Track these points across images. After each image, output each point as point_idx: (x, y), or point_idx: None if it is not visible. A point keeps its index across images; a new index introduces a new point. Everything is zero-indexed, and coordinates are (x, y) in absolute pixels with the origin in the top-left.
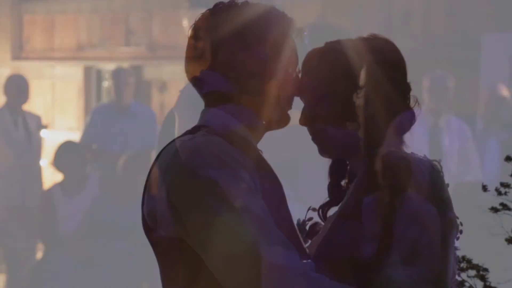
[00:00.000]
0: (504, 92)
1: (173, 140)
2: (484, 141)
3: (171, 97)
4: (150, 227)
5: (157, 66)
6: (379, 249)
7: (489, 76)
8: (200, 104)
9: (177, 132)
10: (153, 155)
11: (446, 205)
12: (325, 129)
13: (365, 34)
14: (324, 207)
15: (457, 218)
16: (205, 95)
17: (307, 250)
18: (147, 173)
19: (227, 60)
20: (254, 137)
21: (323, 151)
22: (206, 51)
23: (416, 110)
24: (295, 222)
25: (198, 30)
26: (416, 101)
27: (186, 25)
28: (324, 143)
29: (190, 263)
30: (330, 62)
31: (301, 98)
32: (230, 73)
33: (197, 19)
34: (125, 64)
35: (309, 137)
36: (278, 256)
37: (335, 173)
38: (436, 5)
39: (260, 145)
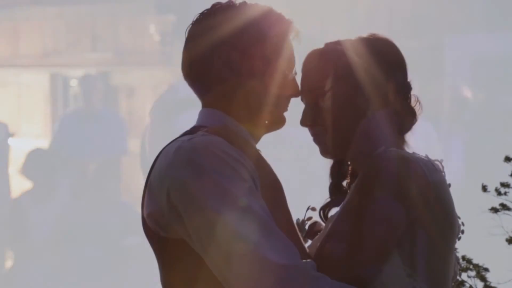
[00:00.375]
0: (467, 93)
1: (173, 141)
2: (448, 142)
3: (139, 103)
4: (150, 228)
5: (125, 71)
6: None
7: (452, 78)
8: (173, 112)
9: (147, 135)
10: (123, 161)
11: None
12: (326, 130)
13: (330, 38)
14: (325, 208)
15: (459, 218)
16: (203, 96)
17: (308, 250)
18: (117, 179)
19: (225, 61)
20: (253, 137)
21: (324, 152)
22: (203, 51)
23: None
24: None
25: (195, 31)
26: (417, 100)
27: (153, 30)
28: (325, 144)
29: (190, 263)
30: (330, 63)
31: (301, 99)
32: (228, 74)
33: (194, 19)
34: (92, 70)
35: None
36: (280, 255)
37: (336, 173)
38: (400, 7)
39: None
